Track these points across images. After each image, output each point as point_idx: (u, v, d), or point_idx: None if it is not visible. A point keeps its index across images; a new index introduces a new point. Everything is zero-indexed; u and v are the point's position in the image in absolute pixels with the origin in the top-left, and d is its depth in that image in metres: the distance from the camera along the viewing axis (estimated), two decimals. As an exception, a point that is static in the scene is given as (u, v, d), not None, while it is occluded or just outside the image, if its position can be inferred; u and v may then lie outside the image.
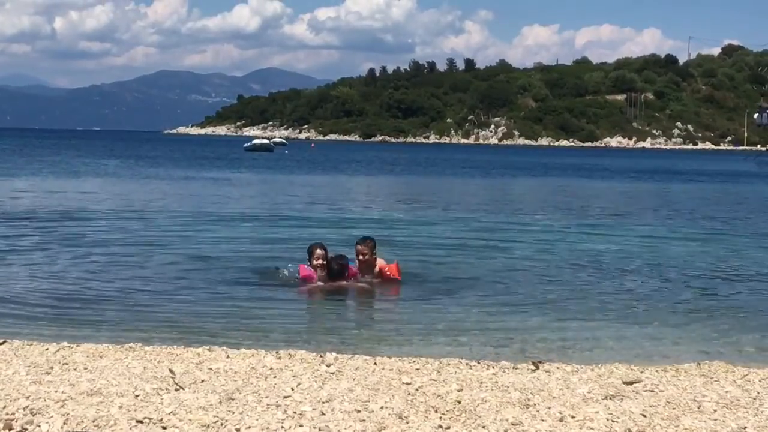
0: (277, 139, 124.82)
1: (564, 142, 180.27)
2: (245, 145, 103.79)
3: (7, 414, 5.76)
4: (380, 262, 12.57)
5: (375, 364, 7.63)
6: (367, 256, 12.43)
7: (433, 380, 6.99)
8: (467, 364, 7.76)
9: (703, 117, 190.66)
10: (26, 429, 5.52)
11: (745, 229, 22.81)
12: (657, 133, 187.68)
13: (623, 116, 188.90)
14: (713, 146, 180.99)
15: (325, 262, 12.20)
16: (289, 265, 12.88)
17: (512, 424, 5.82)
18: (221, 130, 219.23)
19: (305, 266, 12.31)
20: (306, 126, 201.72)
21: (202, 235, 18.81)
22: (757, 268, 15.45)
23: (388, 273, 12.50)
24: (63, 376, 6.85)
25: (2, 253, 15.31)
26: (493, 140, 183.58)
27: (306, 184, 42.45)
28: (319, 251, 12.22)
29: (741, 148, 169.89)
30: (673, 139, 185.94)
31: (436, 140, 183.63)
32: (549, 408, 6.21)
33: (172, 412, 5.84)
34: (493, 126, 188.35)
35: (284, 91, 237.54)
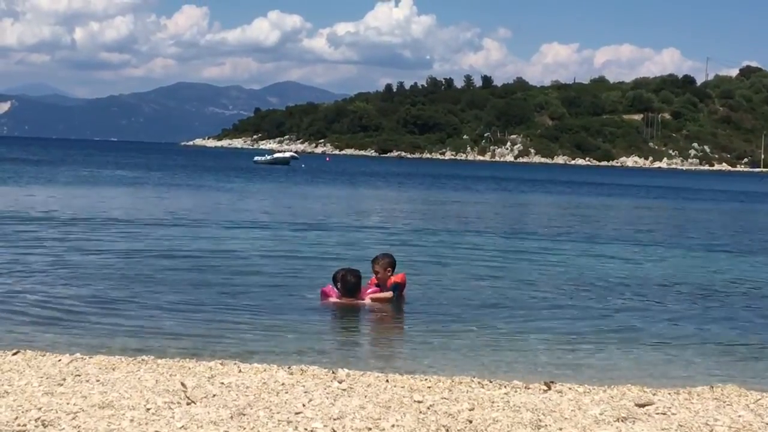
0: (289, 153, 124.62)
1: (580, 161, 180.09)
2: (255, 158, 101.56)
3: (18, 425, 5.78)
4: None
5: (387, 381, 7.62)
6: (379, 274, 12.46)
7: (445, 399, 6.97)
8: (479, 383, 7.74)
9: (720, 138, 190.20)
10: (38, 440, 5.55)
11: (762, 250, 22.67)
12: (673, 154, 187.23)
13: (639, 136, 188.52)
14: (730, 167, 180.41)
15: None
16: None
17: (523, 446, 5.80)
18: (238, 143, 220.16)
19: (331, 285, 12.43)
20: (322, 140, 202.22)
21: (218, 248, 18.84)
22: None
23: (392, 279, 12.45)
24: (75, 388, 6.86)
25: (18, 261, 15.37)
26: (509, 157, 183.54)
27: (323, 196, 42.45)
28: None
29: (758, 169, 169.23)
30: (690, 160, 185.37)
31: (452, 157, 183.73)
32: (560, 429, 6.19)
33: (183, 426, 5.85)
34: (509, 143, 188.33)
35: (301, 104, 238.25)
